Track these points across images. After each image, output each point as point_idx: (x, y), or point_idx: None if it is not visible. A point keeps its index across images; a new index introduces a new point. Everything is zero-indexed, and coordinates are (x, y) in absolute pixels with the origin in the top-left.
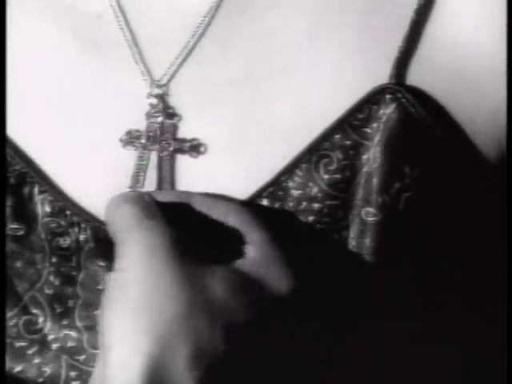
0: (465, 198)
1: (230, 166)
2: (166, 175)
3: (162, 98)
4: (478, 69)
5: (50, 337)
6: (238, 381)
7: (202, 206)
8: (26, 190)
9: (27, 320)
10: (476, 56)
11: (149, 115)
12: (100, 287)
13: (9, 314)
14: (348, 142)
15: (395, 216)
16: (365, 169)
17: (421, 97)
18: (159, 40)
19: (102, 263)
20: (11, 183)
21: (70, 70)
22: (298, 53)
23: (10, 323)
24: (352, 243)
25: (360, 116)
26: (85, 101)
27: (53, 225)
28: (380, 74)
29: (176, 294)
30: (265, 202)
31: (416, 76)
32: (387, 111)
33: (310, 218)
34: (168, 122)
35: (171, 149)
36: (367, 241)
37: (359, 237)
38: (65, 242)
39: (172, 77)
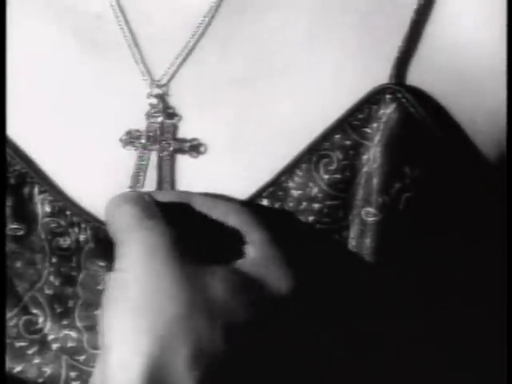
0: (465, 198)
1: (230, 165)
2: (166, 175)
3: (161, 97)
4: (478, 69)
5: (50, 337)
6: (238, 381)
7: (201, 206)
8: (26, 190)
9: (27, 320)
10: (476, 56)
11: (149, 115)
12: (100, 287)
13: (9, 314)
14: (348, 142)
15: (395, 216)
16: (365, 169)
17: (421, 97)
18: (159, 40)
19: (102, 263)
20: (11, 183)
21: (70, 70)
22: (298, 53)
23: (10, 323)
24: (352, 243)
25: (360, 116)
26: (85, 101)
27: (53, 225)
28: (380, 74)
29: (176, 294)
30: (265, 202)
31: (416, 76)
32: (387, 111)
33: (310, 218)
34: (168, 122)
35: (171, 149)
36: (367, 241)
37: (359, 237)
38: (65, 242)
39: (172, 77)
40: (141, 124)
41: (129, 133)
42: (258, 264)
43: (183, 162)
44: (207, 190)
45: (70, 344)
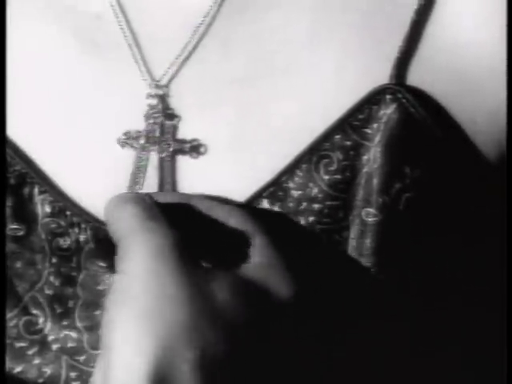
0: (465, 198)
1: (231, 165)
2: (167, 176)
3: (161, 98)
4: (478, 69)
5: (50, 337)
6: (241, 383)
7: (202, 208)
8: (26, 190)
9: (27, 320)
10: (476, 56)
11: (148, 116)
12: (100, 288)
13: (9, 315)
14: (348, 143)
15: (395, 216)
16: (365, 169)
17: (421, 97)
18: (160, 39)
19: (102, 264)
20: (11, 183)
21: (70, 70)
22: (299, 52)
23: (10, 324)
24: (352, 244)
25: (360, 116)
26: (85, 101)
27: (53, 225)
28: (380, 73)
29: (180, 297)
30: (265, 202)
31: (416, 76)
32: (387, 111)
33: (310, 219)
34: (168, 122)
35: (171, 149)
36: (367, 241)
37: (359, 237)
38: (65, 242)
39: (172, 76)
40: (141, 124)
41: (127, 133)
42: (260, 268)
43: (184, 162)
44: (208, 191)
45: (70, 344)
